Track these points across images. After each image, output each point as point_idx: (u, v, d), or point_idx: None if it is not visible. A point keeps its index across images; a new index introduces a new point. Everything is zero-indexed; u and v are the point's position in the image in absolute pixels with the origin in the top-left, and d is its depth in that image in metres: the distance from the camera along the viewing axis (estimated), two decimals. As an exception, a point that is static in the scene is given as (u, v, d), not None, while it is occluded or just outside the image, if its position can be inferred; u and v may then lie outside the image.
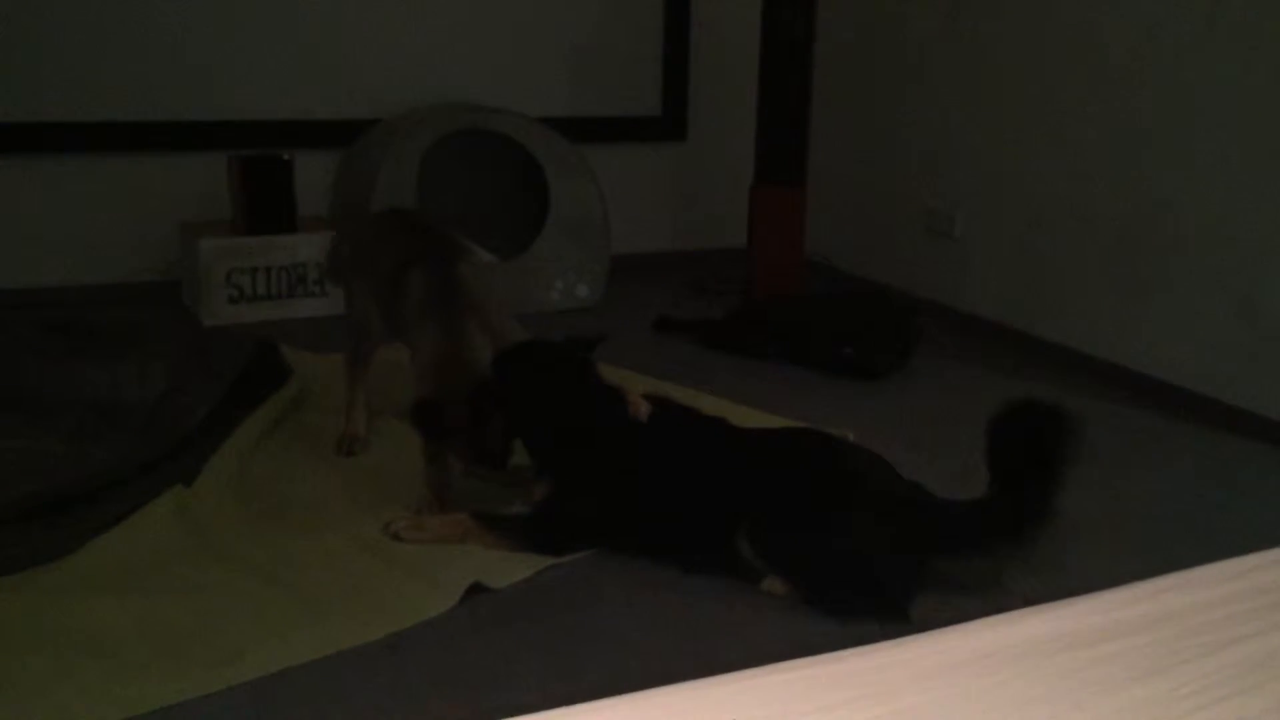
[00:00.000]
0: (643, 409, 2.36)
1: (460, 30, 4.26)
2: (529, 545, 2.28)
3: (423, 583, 2.15)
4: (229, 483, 2.50)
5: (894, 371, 3.46)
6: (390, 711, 1.81)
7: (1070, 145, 3.50)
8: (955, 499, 2.19)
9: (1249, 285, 3.03)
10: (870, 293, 4.13)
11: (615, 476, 2.33)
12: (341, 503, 2.49)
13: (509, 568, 2.22)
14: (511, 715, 0.96)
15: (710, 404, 3.11)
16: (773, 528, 2.15)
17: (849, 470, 2.24)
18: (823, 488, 2.18)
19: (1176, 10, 3.15)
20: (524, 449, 2.42)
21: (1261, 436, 2.99)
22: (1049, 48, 3.55)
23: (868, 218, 4.42)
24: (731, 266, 4.29)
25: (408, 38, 4.18)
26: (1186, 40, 3.13)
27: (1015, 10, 3.66)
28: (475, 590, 2.14)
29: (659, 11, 4.54)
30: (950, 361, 3.59)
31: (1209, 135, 3.10)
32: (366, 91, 4.13)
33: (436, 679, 1.89)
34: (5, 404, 2.44)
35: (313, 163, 3.99)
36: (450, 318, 2.44)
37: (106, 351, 2.72)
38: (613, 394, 2.41)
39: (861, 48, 4.34)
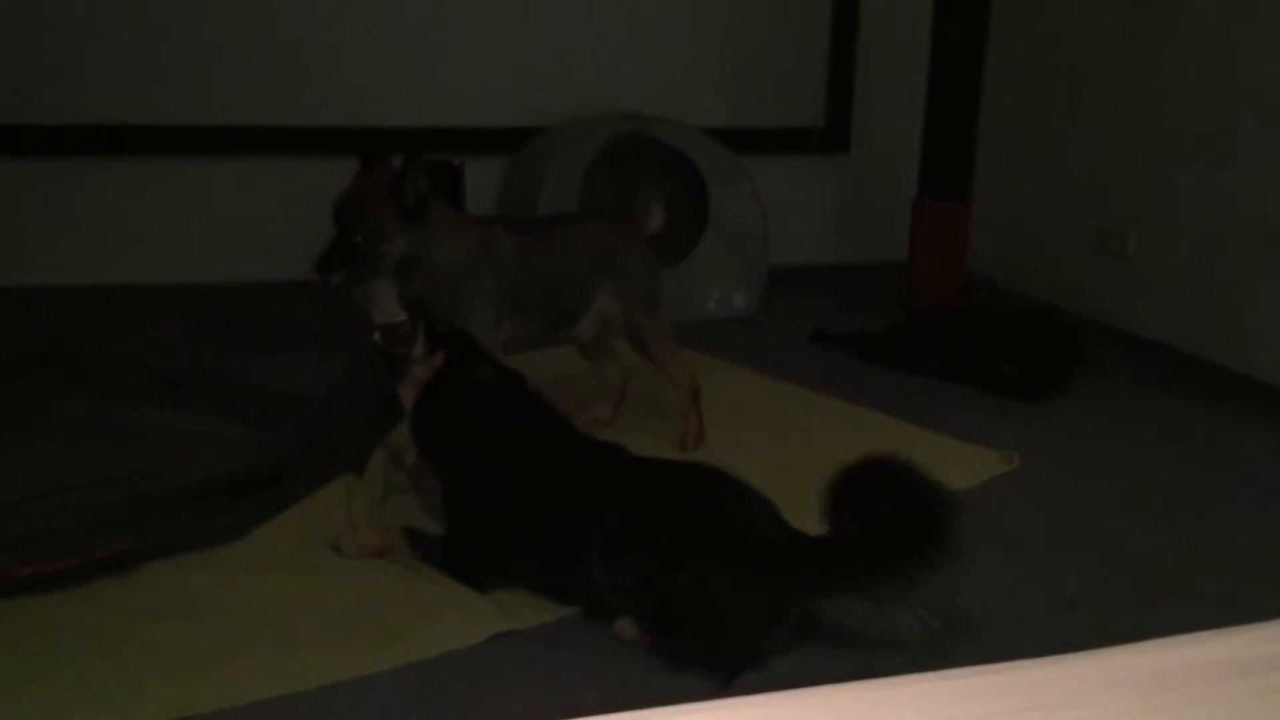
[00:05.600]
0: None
1: (627, 42, 4.34)
2: (446, 572, 2.17)
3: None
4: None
5: (1056, 393, 3.37)
6: (546, 699, 1.86)
7: (1253, 162, 3.36)
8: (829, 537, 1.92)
9: None
10: (1033, 310, 4.03)
11: (485, 490, 2.20)
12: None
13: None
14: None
15: (853, 416, 3.12)
16: (624, 552, 1.97)
17: (715, 506, 2.02)
18: (681, 520, 1.99)
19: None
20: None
21: None
22: (1233, 60, 3.42)
23: (1034, 235, 4.32)
24: (891, 281, 4.25)
25: (575, 49, 4.28)
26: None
27: (1197, 21, 3.54)
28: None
29: (825, 22, 4.54)
30: (1117, 385, 3.48)
31: None
32: (535, 100, 4.25)
33: (587, 669, 1.93)
34: (195, 389, 2.59)
35: (482, 168, 4.12)
36: None
37: (289, 344, 2.87)
38: (530, 415, 2.26)
39: (1033, 60, 4.25)
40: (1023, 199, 4.35)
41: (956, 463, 2.82)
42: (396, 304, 2.72)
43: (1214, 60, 3.49)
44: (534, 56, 4.25)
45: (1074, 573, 2.33)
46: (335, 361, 2.81)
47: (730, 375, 3.40)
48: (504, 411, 2.28)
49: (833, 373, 3.48)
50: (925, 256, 4.04)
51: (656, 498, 2.07)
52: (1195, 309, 3.59)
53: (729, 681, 1.87)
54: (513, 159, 4.22)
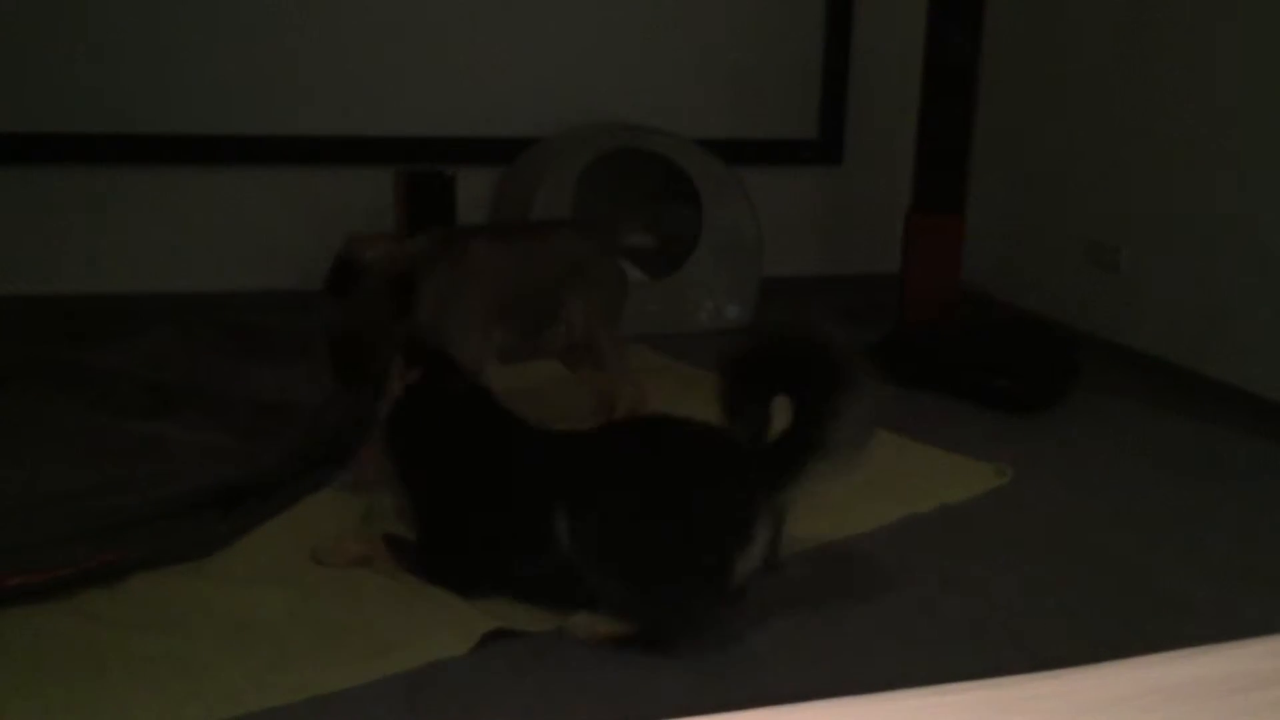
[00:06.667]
0: None
1: (621, 53, 4.34)
2: (426, 578, 2.18)
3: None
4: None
5: (1049, 406, 3.37)
6: (535, 711, 1.85)
7: (1247, 175, 3.37)
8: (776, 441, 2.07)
9: None
10: (1028, 323, 4.03)
11: (449, 493, 2.23)
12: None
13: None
14: None
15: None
16: (589, 504, 2.02)
17: (666, 442, 2.11)
18: (636, 461, 2.07)
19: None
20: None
21: None
22: (1226, 73, 3.43)
23: (1028, 247, 4.33)
24: (884, 293, 4.25)
25: (569, 59, 4.28)
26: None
27: (1190, 35, 3.55)
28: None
29: (819, 34, 4.54)
30: (1111, 398, 3.47)
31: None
32: (528, 110, 4.25)
33: (583, 688, 1.92)
34: (186, 399, 2.59)
35: (475, 179, 4.11)
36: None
37: (279, 354, 2.86)
38: (485, 418, 2.28)
39: (1027, 73, 4.26)
40: (1016, 211, 4.35)
41: (950, 476, 2.82)
42: None
43: (1208, 74, 3.50)
44: (528, 67, 4.24)
45: (1068, 587, 2.33)
46: (327, 372, 2.80)
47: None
48: (463, 417, 2.29)
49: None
50: (919, 269, 4.04)
51: (610, 454, 2.12)
52: (1189, 322, 3.59)
53: (704, 618, 1.93)
54: (506, 169, 4.21)
